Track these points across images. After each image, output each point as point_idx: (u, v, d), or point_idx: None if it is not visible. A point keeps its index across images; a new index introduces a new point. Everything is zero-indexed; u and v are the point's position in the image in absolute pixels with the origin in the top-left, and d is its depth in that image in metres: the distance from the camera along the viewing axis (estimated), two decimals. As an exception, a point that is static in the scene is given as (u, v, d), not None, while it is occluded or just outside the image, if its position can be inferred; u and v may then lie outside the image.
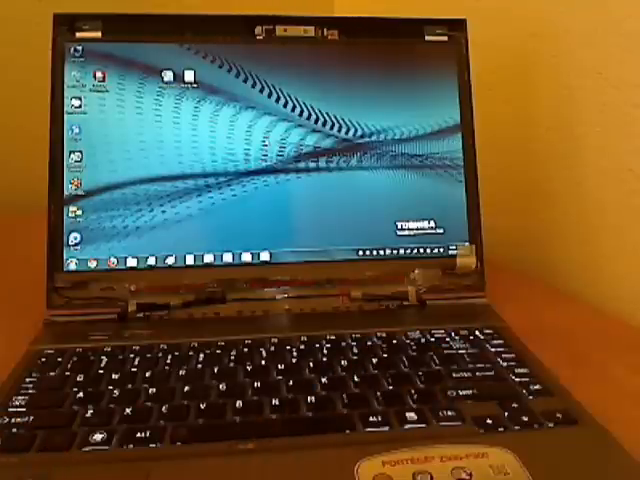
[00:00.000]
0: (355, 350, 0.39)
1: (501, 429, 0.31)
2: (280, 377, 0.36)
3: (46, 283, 0.43)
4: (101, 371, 0.37)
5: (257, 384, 0.35)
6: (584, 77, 0.52)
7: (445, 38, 0.49)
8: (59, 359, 0.38)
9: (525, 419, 0.32)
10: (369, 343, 0.40)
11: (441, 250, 0.47)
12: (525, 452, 0.29)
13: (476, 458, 0.29)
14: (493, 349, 0.40)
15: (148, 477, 0.28)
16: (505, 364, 0.38)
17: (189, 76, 0.46)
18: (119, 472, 0.29)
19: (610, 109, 0.50)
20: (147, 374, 0.36)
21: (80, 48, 0.45)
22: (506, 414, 0.33)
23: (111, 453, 0.30)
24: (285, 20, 0.47)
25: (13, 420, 0.32)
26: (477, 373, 0.37)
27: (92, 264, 0.44)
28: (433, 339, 0.41)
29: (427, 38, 0.49)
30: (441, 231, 0.48)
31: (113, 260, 0.44)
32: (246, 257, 0.45)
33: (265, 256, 0.46)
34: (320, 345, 0.40)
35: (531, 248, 0.61)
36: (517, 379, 0.36)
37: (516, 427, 0.32)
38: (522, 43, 0.58)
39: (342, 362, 0.38)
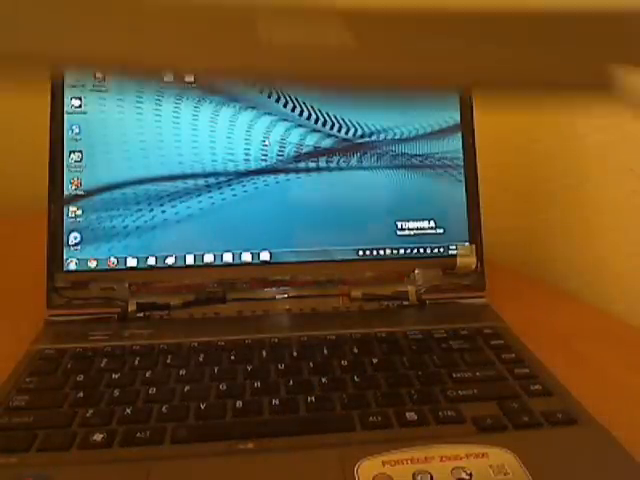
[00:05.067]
0: (355, 350, 0.39)
1: (501, 429, 0.32)
2: (280, 377, 0.36)
3: (46, 283, 0.43)
4: (101, 371, 0.37)
5: (257, 384, 0.35)
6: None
7: (445, 38, 0.49)
8: (59, 359, 0.38)
9: (525, 419, 0.32)
10: (369, 343, 0.40)
11: (441, 250, 0.47)
12: (525, 452, 0.29)
13: (476, 458, 0.29)
14: (493, 349, 0.40)
15: (148, 477, 0.28)
16: (505, 364, 0.38)
17: (189, 76, 0.46)
18: (119, 472, 0.29)
19: (610, 109, 0.50)
20: (147, 374, 0.36)
21: (80, 48, 0.45)
22: (506, 414, 0.33)
23: (111, 453, 0.30)
24: (285, 20, 0.47)
25: (13, 420, 0.32)
26: (477, 373, 0.37)
27: (92, 264, 0.44)
28: (433, 339, 0.41)
29: (427, 38, 0.49)
30: (441, 231, 0.47)
31: (113, 260, 0.44)
32: (246, 257, 0.45)
33: (265, 256, 0.46)
34: (320, 345, 0.40)
35: (531, 248, 0.61)
36: (517, 379, 0.36)
37: (516, 427, 0.32)
38: (522, 43, 0.58)
39: (342, 362, 0.38)
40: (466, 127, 0.48)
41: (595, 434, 0.31)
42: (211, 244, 0.45)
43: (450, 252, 0.47)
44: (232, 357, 0.38)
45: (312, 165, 0.47)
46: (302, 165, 0.46)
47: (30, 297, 0.44)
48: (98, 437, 0.30)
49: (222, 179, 0.46)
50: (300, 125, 0.47)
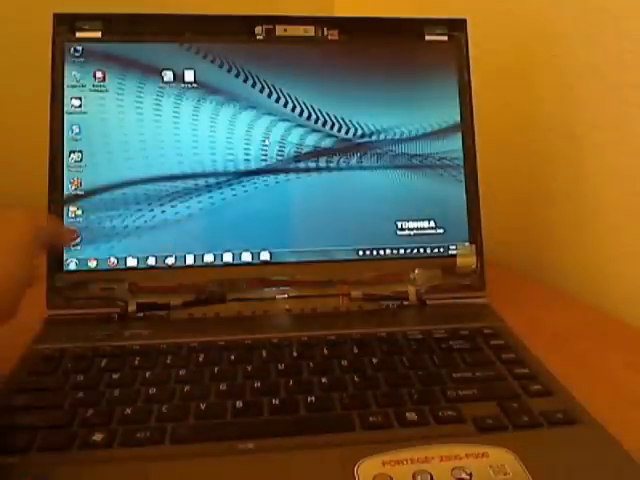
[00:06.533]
0: (355, 350, 0.39)
1: (501, 429, 0.31)
2: (280, 377, 0.36)
3: (46, 283, 0.43)
4: (101, 371, 0.37)
5: (257, 384, 0.35)
6: (584, 77, 0.52)
7: (445, 38, 0.49)
8: (59, 359, 0.38)
9: (525, 419, 0.32)
10: (369, 343, 0.40)
11: (441, 250, 0.47)
12: (525, 452, 0.29)
13: (476, 458, 0.29)
14: (493, 349, 0.40)
15: (148, 477, 0.28)
16: (505, 364, 0.38)
17: (189, 76, 0.46)
18: (119, 472, 0.29)
19: (610, 109, 0.50)
20: (147, 374, 0.36)
21: (80, 48, 0.45)
22: (506, 414, 0.33)
23: (111, 453, 0.30)
24: (285, 20, 0.47)
25: (13, 420, 0.32)
26: (477, 373, 0.37)
27: (92, 264, 0.44)
28: (433, 339, 0.41)
29: (427, 38, 0.49)
30: (441, 231, 0.47)
31: (113, 260, 0.44)
32: (246, 257, 0.45)
33: (265, 256, 0.46)
34: (320, 345, 0.40)
35: (531, 248, 0.61)
36: (517, 379, 0.36)
37: (516, 427, 0.32)
38: (522, 43, 0.58)
39: (342, 362, 0.38)
40: (466, 127, 0.48)
41: (595, 434, 0.31)
42: (211, 244, 0.45)
43: (450, 252, 0.47)
44: (232, 357, 0.38)
45: (312, 165, 0.47)
46: (302, 165, 0.46)
47: (30, 297, 0.44)
48: (98, 437, 0.30)
49: (222, 179, 0.46)
50: (300, 125, 0.47)
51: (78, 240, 0.44)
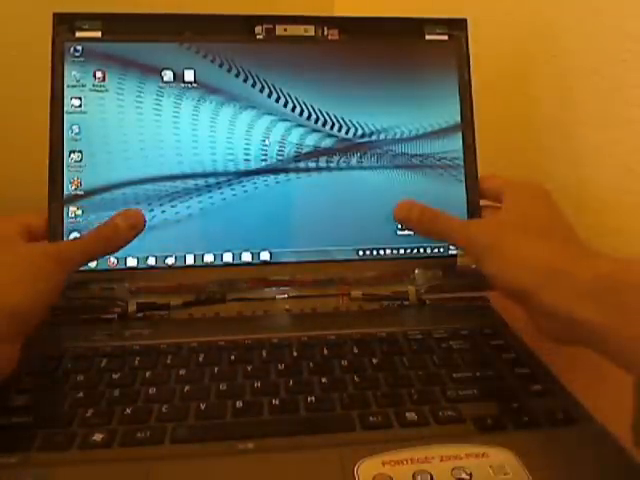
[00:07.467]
0: (355, 350, 0.39)
1: (501, 429, 0.32)
2: (280, 377, 0.36)
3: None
4: (101, 371, 0.37)
5: (257, 384, 0.35)
6: (584, 77, 0.52)
7: (445, 37, 0.49)
8: (59, 359, 0.38)
9: (525, 419, 0.32)
10: (369, 343, 0.40)
11: (441, 250, 0.47)
12: (525, 452, 0.29)
13: (476, 458, 0.29)
14: (493, 349, 0.40)
15: (148, 477, 0.28)
16: (505, 364, 0.38)
17: (189, 76, 0.46)
18: (119, 472, 0.29)
19: (610, 109, 0.50)
20: (147, 374, 0.36)
21: (80, 48, 0.45)
22: (506, 414, 0.33)
23: (111, 453, 0.30)
24: (285, 20, 0.47)
25: (13, 420, 0.32)
26: (477, 373, 0.37)
27: (92, 264, 0.44)
28: (433, 339, 0.41)
29: (427, 37, 0.49)
30: (441, 231, 0.47)
31: (113, 260, 0.44)
32: (246, 257, 0.45)
33: (265, 256, 0.46)
34: (320, 345, 0.40)
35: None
36: (517, 379, 0.36)
37: (516, 427, 0.32)
38: (522, 43, 0.58)
39: (342, 362, 0.38)
40: (466, 127, 0.48)
41: (595, 434, 0.31)
42: (211, 244, 0.45)
43: (450, 252, 0.47)
44: (232, 357, 0.38)
45: (312, 165, 0.47)
46: (302, 165, 0.46)
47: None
48: (98, 437, 0.30)
49: (222, 179, 0.46)
50: (300, 125, 0.47)
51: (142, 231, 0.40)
